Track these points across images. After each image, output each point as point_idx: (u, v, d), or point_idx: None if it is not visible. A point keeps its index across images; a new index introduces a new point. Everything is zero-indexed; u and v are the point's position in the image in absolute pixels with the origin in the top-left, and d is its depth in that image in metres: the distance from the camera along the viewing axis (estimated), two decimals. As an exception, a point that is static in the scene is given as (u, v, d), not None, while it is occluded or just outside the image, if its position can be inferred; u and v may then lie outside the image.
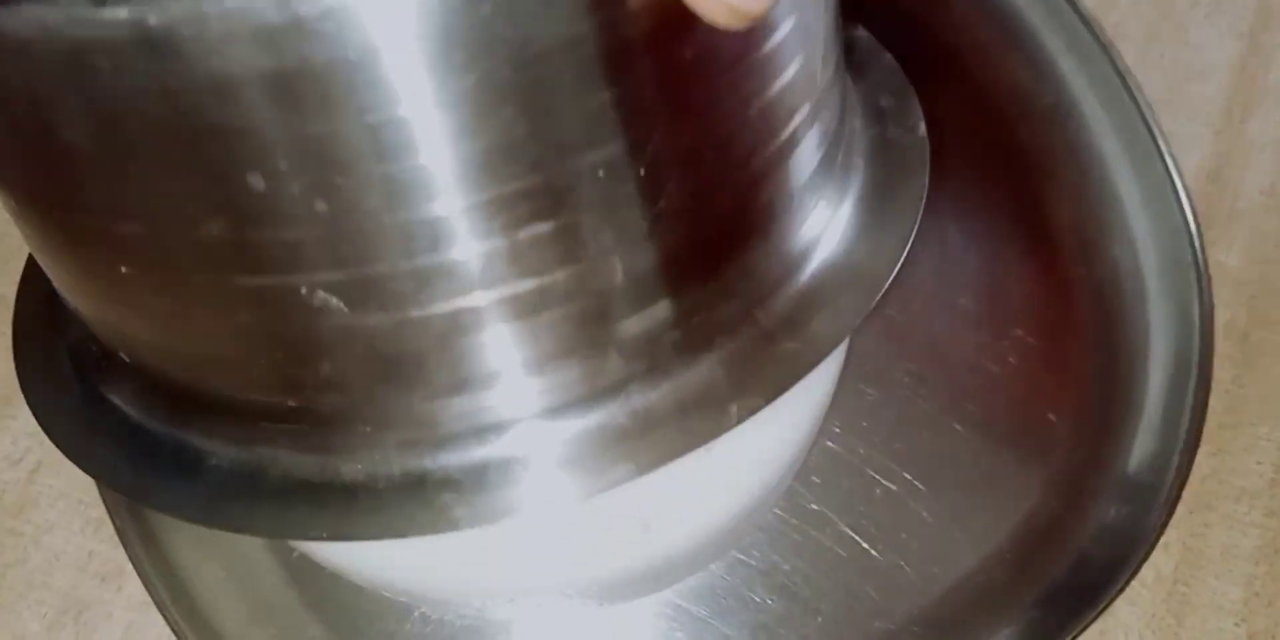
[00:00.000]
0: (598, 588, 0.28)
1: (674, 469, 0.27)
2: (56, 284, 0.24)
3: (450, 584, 0.28)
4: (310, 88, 0.17)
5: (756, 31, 0.20)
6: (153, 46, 0.16)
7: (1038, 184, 0.36)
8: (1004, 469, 0.34)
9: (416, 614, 0.33)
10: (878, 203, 0.26)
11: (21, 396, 0.34)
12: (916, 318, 0.35)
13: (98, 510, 0.34)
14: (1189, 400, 0.33)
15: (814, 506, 0.34)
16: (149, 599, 0.32)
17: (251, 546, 0.33)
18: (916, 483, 0.34)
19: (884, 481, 0.34)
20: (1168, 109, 0.38)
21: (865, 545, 0.33)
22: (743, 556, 0.33)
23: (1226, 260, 0.36)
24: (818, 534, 0.33)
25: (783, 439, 0.28)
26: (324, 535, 0.22)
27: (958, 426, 0.34)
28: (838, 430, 0.34)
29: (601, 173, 0.19)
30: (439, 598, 0.29)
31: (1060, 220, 0.36)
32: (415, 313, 0.20)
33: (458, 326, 0.20)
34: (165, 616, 0.31)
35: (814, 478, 0.34)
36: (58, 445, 0.25)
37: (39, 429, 0.34)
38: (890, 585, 0.33)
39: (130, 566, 0.33)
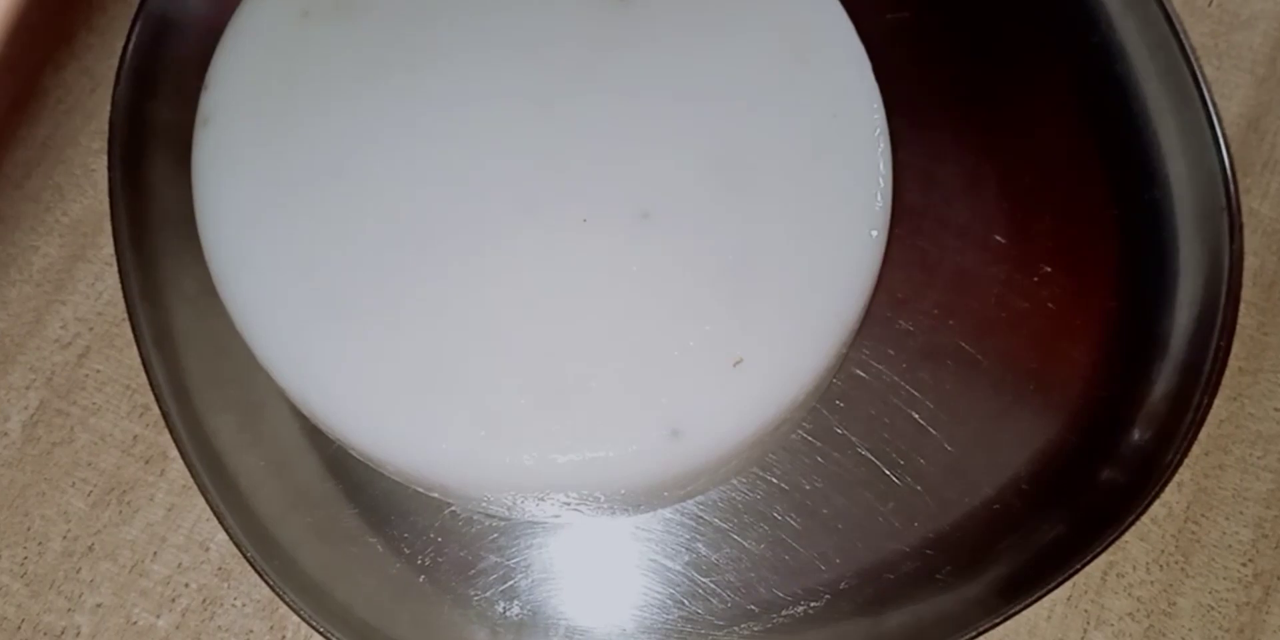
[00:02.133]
0: (625, 492, 0.29)
1: (704, 380, 0.28)
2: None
3: (480, 477, 0.29)
4: None
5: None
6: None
7: (1077, 123, 0.37)
8: (1025, 402, 0.35)
9: (447, 511, 0.34)
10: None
11: (73, 281, 0.36)
12: (948, 251, 0.36)
13: (144, 396, 0.35)
14: (1213, 343, 0.34)
15: (837, 430, 0.35)
16: (190, 484, 0.34)
17: (293, 437, 0.34)
18: (939, 411, 0.34)
19: (906, 409, 0.35)
20: (1212, 56, 0.38)
21: (885, 469, 0.34)
22: (765, 474, 0.34)
23: (1260, 208, 0.37)
24: (839, 456, 0.34)
25: (810, 355, 0.29)
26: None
27: (982, 358, 0.35)
28: (865, 356, 0.35)
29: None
30: (469, 494, 0.30)
31: (1096, 160, 0.36)
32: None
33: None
34: (207, 499, 0.32)
35: (838, 402, 0.35)
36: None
37: (88, 314, 0.36)
38: (907, 509, 0.34)
39: (173, 452, 0.34)
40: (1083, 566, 0.32)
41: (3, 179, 0.37)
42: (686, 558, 0.34)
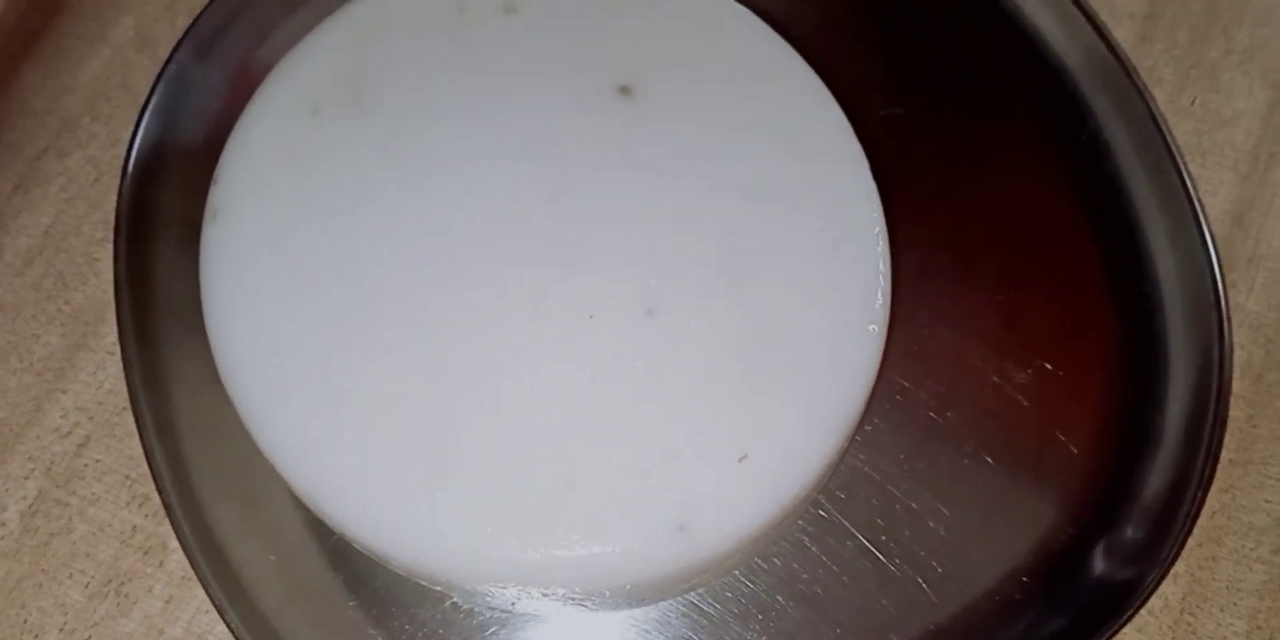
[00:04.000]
0: (631, 586, 0.29)
1: (710, 475, 0.29)
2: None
3: (484, 572, 0.29)
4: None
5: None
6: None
7: (1068, 218, 0.38)
8: (1022, 492, 0.35)
9: (448, 604, 0.34)
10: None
11: (74, 370, 0.36)
12: (943, 342, 0.37)
13: (144, 486, 0.35)
14: (1205, 436, 0.34)
15: (837, 519, 0.35)
16: (190, 575, 0.33)
17: (295, 529, 0.34)
18: (936, 502, 0.35)
19: (905, 499, 0.35)
20: (1196, 153, 0.39)
21: (884, 559, 0.34)
22: (764, 564, 0.34)
23: (1245, 303, 0.37)
24: (838, 546, 0.35)
25: (814, 450, 0.29)
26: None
27: (979, 449, 0.35)
28: (862, 447, 0.35)
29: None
30: (472, 587, 0.30)
31: (1088, 255, 0.37)
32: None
33: None
34: (207, 591, 0.32)
35: (838, 493, 0.35)
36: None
37: (88, 403, 0.36)
38: (907, 599, 0.34)
39: (173, 542, 0.34)
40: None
41: (4, 266, 0.37)
42: (687, 650, 0.34)
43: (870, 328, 0.30)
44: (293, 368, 0.29)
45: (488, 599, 0.33)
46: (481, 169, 0.31)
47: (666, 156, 0.31)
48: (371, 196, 0.30)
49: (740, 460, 0.29)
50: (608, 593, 0.30)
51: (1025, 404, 0.36)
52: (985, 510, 0.35)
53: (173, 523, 0.32)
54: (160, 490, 0.33)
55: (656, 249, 0.30)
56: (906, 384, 0.36)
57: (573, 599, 0.30)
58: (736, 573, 0.34)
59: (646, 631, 0.34)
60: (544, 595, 0.30)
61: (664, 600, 0.34)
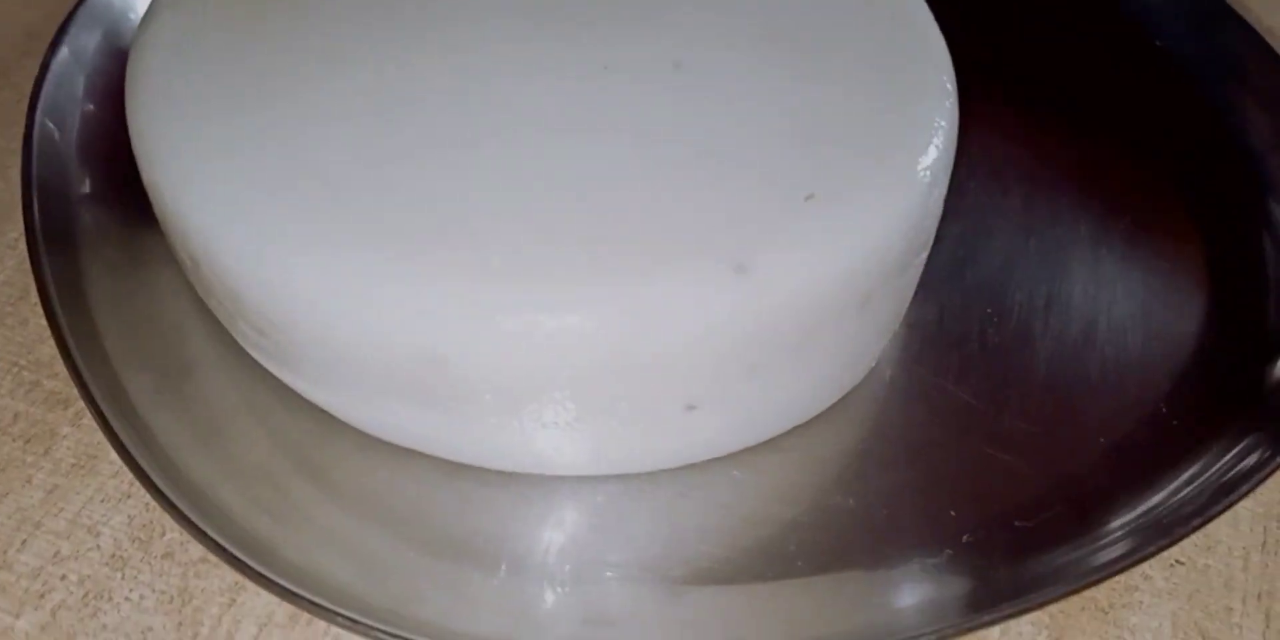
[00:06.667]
0: (684, 345, 0.22)
1: (772, 213, 0.23)
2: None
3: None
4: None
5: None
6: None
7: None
8: (1167, 300, 0.29)
9: (414, 476, 0.25)
10: None
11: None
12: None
13: (33, 373, 0.27)
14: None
15: (925, 358, 0.28)
16: (76, 463, 0.25)
17: (228, 406, 0.26)
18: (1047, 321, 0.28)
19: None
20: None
21: (996, 410, 0.27)
22: (861, 421, 0.27)
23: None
24: (941, 400, 0.27)
25: (888, 192, 0.24)
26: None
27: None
28: (957, 291, 0.29)
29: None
30: (477, 375, 0.22)
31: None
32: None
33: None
34: (122, 453, 0.23)
35: (936, 342, 0.29)
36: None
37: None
38: (1030, 452, 0.26)
39: (62, 429, 0.26)
40: (1251, 489, 0.24)
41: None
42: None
43: (945, 83, 0.26)
44: (243, 136, 0.24)
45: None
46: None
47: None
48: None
49: (806, 199, 0.23)
50: (651, 360, 0.22)
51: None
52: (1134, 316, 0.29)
53: (79, 386, 0.24)
54: (65, 355, 0.25)
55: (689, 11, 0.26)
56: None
57: (613, 373, 0.22)
58: (826, 433, 0.26)
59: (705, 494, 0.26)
60: (566, 381, 0.22)
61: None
